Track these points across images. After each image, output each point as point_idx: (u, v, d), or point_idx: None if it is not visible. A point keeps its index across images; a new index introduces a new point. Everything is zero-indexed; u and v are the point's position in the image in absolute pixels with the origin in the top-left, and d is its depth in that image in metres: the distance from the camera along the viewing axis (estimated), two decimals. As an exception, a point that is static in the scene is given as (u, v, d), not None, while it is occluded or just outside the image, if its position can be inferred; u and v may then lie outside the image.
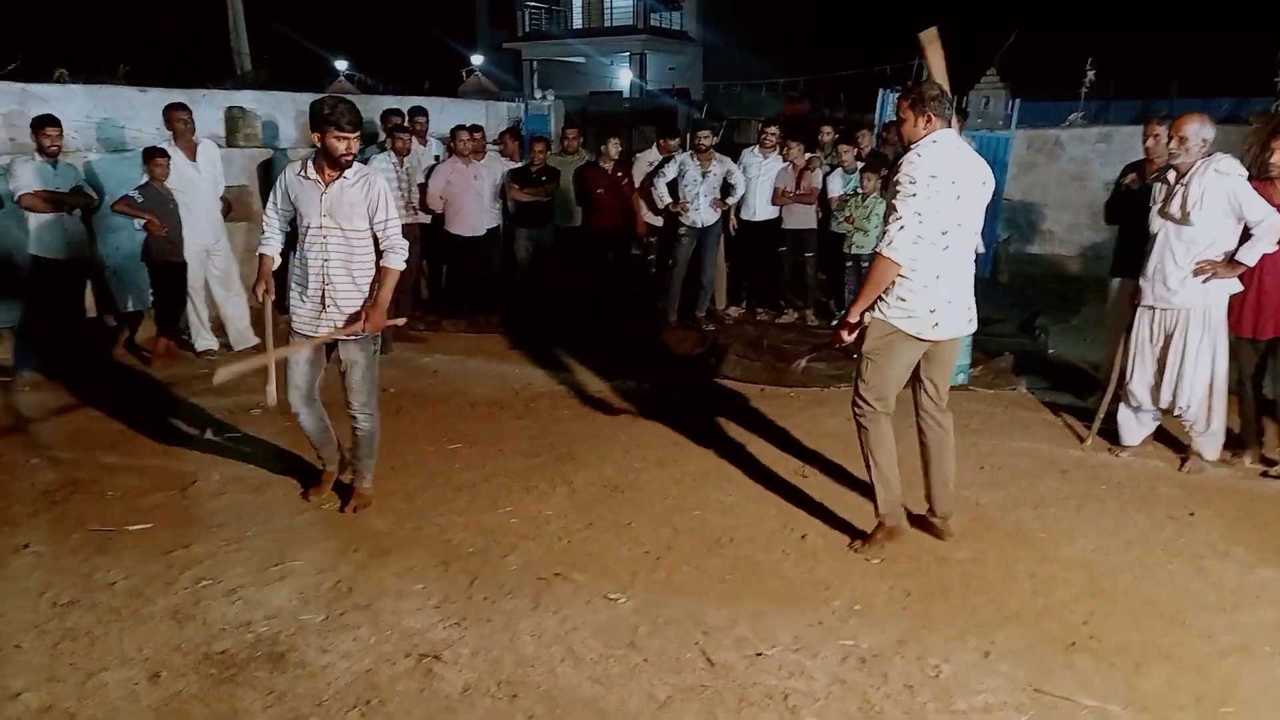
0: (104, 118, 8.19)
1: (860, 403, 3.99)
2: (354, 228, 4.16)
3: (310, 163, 4.13)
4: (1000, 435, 5.50)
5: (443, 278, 8.97)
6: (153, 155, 6.85)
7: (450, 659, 3.23)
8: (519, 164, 8.88)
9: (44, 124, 6.43)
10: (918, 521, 4.20)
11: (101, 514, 4.34)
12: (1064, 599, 3.63)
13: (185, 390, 6.31)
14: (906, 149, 3.80)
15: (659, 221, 8.59)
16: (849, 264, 8.08)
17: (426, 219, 8.18)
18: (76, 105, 8.05)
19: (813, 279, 8.59)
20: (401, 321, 5.33)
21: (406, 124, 8.12)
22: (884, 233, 3.81)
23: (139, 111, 8.25)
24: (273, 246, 4.33)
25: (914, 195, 3.67)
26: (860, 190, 7.95)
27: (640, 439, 5.46)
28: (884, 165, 8.71)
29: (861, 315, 3.91)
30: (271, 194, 4.28)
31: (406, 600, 3.62)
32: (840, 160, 8.36)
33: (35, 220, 6.39)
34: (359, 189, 4.13)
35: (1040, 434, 5.55)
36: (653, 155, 8.91)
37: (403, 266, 4.24)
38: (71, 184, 6.55)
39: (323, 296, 4.19)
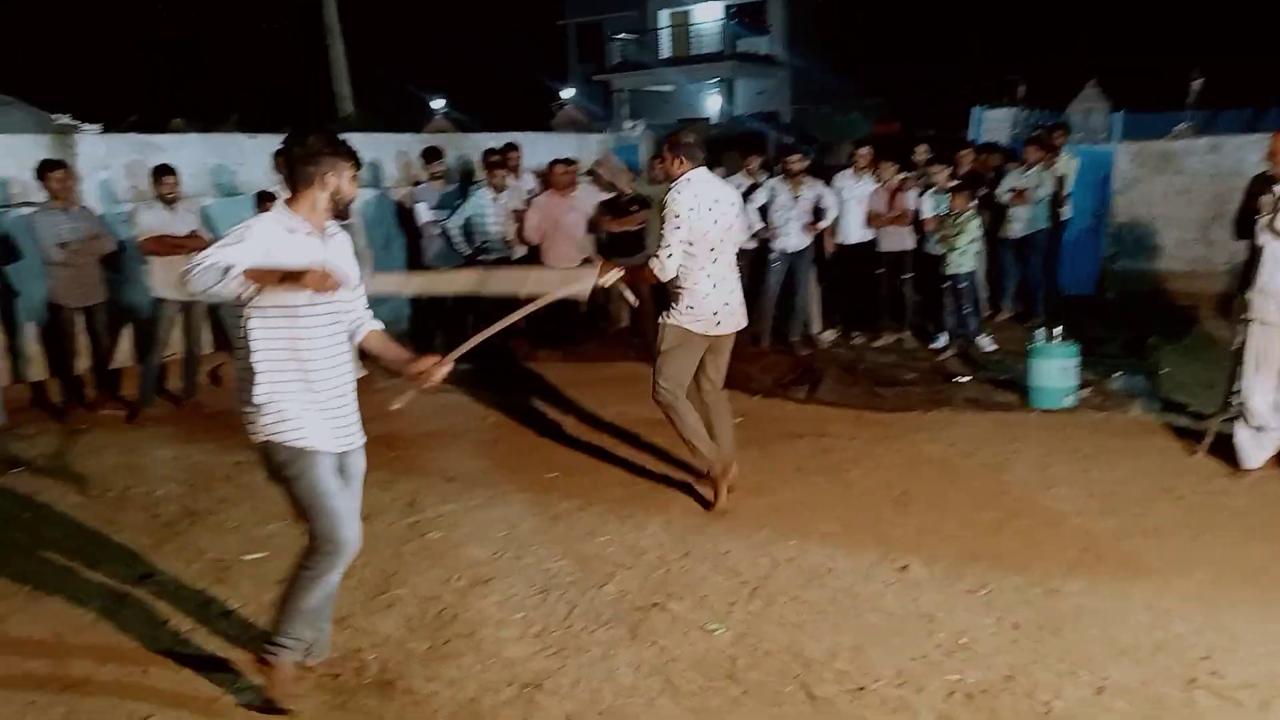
0: (217, 163, 8.60)
1: (663, 390, 4.74)
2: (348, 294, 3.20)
3: (290, 213, 3.03)
4: (1111, 461, 5.31)
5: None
6: (263, 199, 7.17)
7: (551, 689, 3.27)
8: (610, 195, 8.99)
9: (162, 173, 6.80)
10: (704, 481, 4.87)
11: (219, 544, 4.53)
12: (1181, 633, 3.48)
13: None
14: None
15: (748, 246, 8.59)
16: (946, 285, 7.94)
17: (523, 251, 8.35)
18: (192, 153, 8.47)
19: (910, 301, 8.47)
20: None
21: (501, 159, 8.31)
22: (655, 255, 4.57)
23: (249, 156, 8.63)
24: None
25: (678, 228, 4.49)
26: (952, 210, 7.81)
27: (737, 467, 5.43)
28: (978, 184, 8.59)
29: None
30: (233, 242, 2.88)
31: (507, 629, 3.68)
32: (933, 180, 8.25)
33: (156, 263, 6.75)
34: (344, 239, 3.26)
35: (1153, 458, 5.34)
36: (738, 180, 8.91)
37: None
38: (188, 228, 6.89)
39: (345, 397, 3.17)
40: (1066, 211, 9.45)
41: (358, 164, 3.12)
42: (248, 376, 3.00)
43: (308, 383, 3.01)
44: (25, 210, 6.84)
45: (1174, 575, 3.94)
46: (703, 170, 4.63)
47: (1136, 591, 3.79)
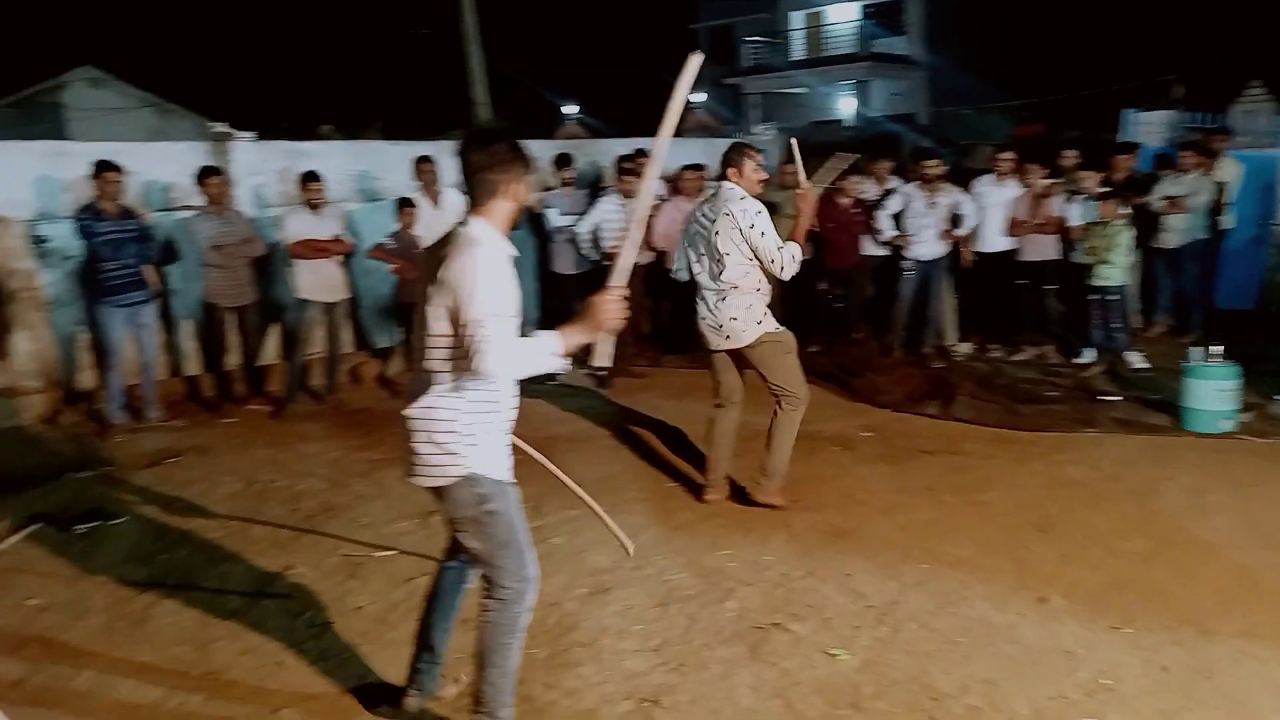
0: (361, 170, 8.93)
1: (796, 399, 4.89)
2: None
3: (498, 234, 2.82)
4: (1273, 491, 4.93)
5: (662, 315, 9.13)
6: (403, 205, 7.42)
7: (669, 705, 3.24)
8: (740, 200, 8.90)
9: (308, 179, 7.10)
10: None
11: (354, 540, 4.67)
12: (1357, 686, 3.19)
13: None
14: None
15: (880, 254, 8.37)
16: (1093, 297, 7.54)
17: (650, 256, 8.36)
18: (338, 160, 8.81)
19: (1053, 313, 8.10)
20: None
21: (632, 165, 8.34)
22: (774, 261, 4.70)
23: (391, 163, 8.90)
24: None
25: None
26: (1102, 218, 7.42)
27: (864, 483, 5.30)
28: (1129, 191, 8.13)
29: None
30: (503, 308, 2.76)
31: (627, 640, 3.67)
32: (1082, 186, 7.86)
33: (301, 266, 7.05)
34: None
35: (1323, 489, 4.94)
36: (866, 187, 8.68)
37: None
38: (332, 233, 7.18)
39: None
40: (1227, 220, 8.87)
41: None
42: (451, 405, 2.79)
43: (499, 412, 2.89)
44: (184, 214, 7.26)
45: (1347, 621, 3.62)
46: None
47: (1304, 637, 3.50)
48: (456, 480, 2.85)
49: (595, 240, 7.85)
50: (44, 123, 17.83)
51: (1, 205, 6.92)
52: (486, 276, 2.66)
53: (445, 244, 2.76)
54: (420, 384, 2.83)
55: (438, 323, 2.73)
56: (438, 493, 2.92)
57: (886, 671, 3.38)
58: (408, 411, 2.87)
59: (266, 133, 11.41)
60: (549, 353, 2.73)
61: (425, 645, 3.19)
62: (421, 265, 2.83)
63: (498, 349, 2.63)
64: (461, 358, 2.70)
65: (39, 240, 6.95)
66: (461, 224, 2.78)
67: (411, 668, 3.20)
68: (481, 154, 2.74)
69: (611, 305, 2.78)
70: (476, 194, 2.76)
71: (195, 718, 3.23)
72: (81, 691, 3.38)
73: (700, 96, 20.48)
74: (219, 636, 3.73)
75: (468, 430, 2.81)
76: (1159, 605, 3.76)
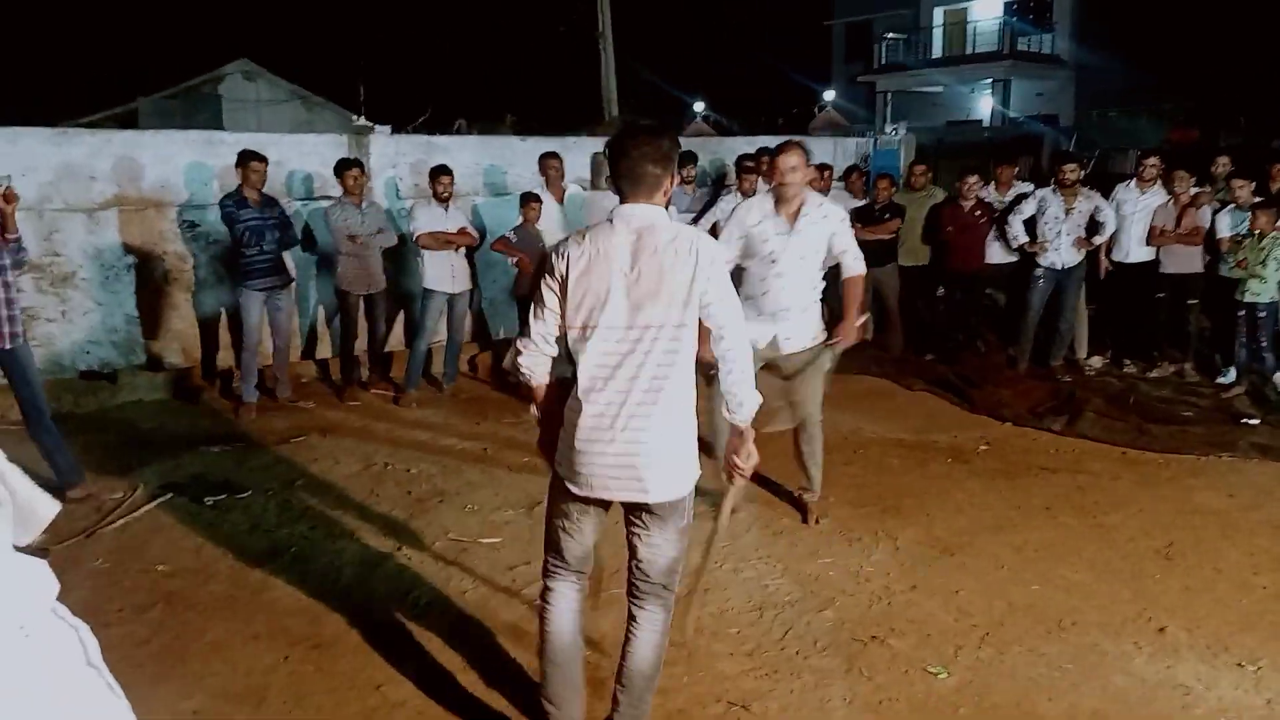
0: (490, 164, 9.14)
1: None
2: None
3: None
4: None
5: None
6: (527, 200, 7.56)
7: (759, 711, 3.21)
8: (863, 201, 8.76)
9: (439, 173, 7.31)
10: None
11: (460, 525, 4.81)
12: None
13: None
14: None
15: (1011, 259, 8.08)
16: (1240, 314, 7.10)
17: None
18: (469, 154, 9.05)
19: (1194, 329, 7.67)
20: None
21: (753, 165, 8.30)
22: (850, 251, 4.62)
23: (519, 158, 9.09)
24: None
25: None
26: (1254, 230, 6.96)
27: (976, 498, 5.14)
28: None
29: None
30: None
31: (720, 642, 3.66)
32: (1233, 196, 7.40)
33: (428, 257, 7.28)
34: None
35: None
36: (985, 193, 8.38)
37: None
38: (459, 225, 7.38)
39: None
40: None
41: None
42: (687, 404, 2.71)
43: None
44: (324, 203, 7.58)
45: None
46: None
47: None
48: (690, 488, 2.77)
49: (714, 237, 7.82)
50: (203, 112, 18.91)
51: (157, 191, 7.39)
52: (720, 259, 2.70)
53: (638, 237, 2.61)
54: (633, 389, 2.62)
55: (675, 314, 2.61)
56: (647, 507, 2.72)
57: (987, 694, 3.27)
58: (639, 423, 2.62)
59: (403, 126, 11.87)
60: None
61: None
62: (604, 257, 2.62)
63: (739, 315, 2.71)
64: (690, 351, 2.65)
65: (189, 224, 7.39)
66: (632, 215, 2.65)
67: None
68: (651, 149, 2.66)
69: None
70: (640, 188, 2.66)
71: (305, 685, 3.37)
72: (201, 654, 3.58)
73: (830, 94, 20.20)
74: (328, 611, 3.90)
75: (695, 429, 2.76)
76: (1292, 647, 3.52)
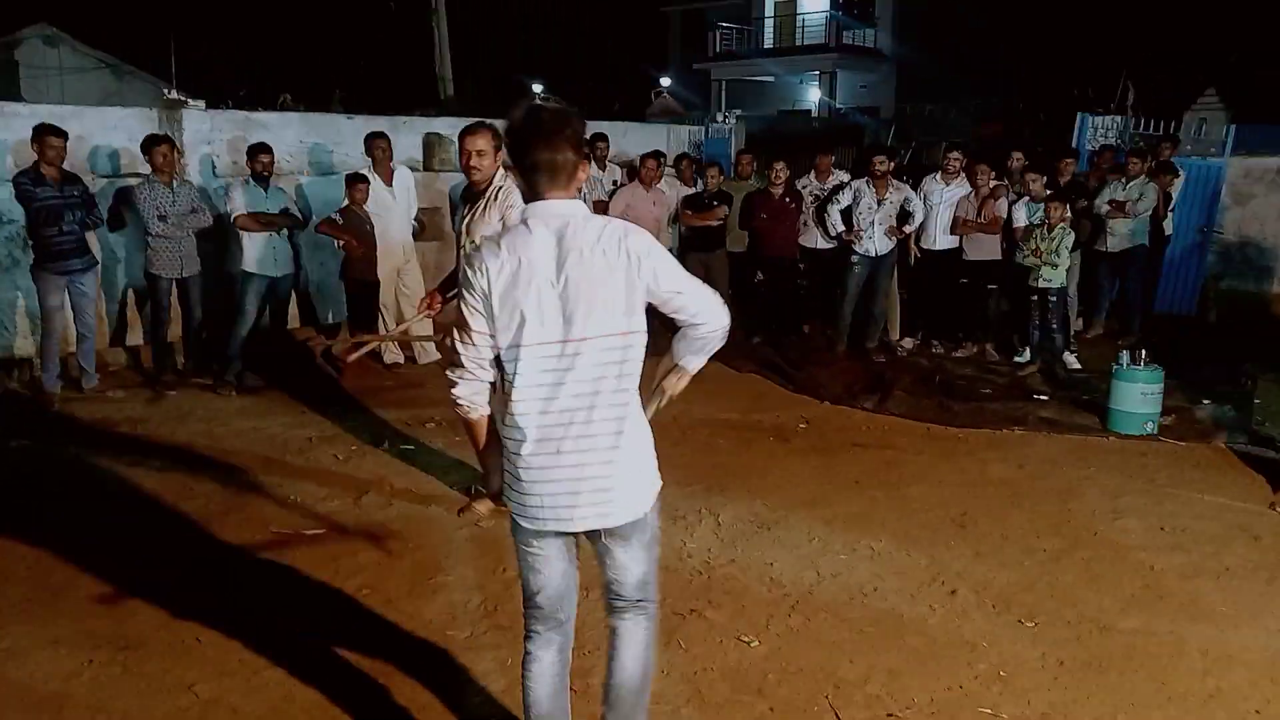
0: (315, 143, 8.86)
1: None
2: None
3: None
4: (1187, 494, 5.10)
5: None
6: (354, 181, 7.38)
7: (580, 689, 3.29)
8: (693, 189, 8.98)
9: (257, 151, 7.04)
10: None
11: (283, 517, 4.69)
12: (1237, 683, 3.33)
13: (372, 401, 6.73)
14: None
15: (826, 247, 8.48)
16: (1034, 298, 7.69)
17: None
18: (292, 131, 8.74)
19: (994, 312, 8.25)
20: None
21: (587, 151, 8.36)
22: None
23: (346, 137, 8.86)
24: None
25: None
26: (1046, 221, 7.56)
27: (793, 475, 5.40)
28: (1074, 194, 8.29)
29: None
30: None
31: (545, 624, 3.72)
32: (1027, 189, 8.00)
33: (247, 238, 7.00)
34: None
35: (1234, 494, 5.10)
36: (805, 181, 8.77)
37: None
38: (281, 206, 7.12)
39: None
40: (1168, 227, 9.08)
41: None
42: (638, 410, 2.47)
43: None
44: (131, 182, 7.17)
45: (1239, 621, 3.77)
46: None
47: (1194, 635, 3.64)
48: (654, 502, 2.54)
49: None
50: (-4, 80, 17.44)
51: (-60, 166, 6.81)
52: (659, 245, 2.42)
53: (560, 239, 2.32)
54: (576, 409, 2.36)
55: (618, 317, 2.34)
56: (608, 530, 2.48)
57: (794, 659, 3.47)
58: (586, 444, 2.37)
59: (223, 100, 11.31)
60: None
61: None
62: (528, 267, 2.33)
63: (714, 299, 2.48)
64: (638, 359, 2.40)
65: (-23, 203, 6.85)
66: (549, 213, 2.36)
67: None
68: (561, 132, 2.33)
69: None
70: (554, 180, 2.35)
71: (110, 689, 3.23)
72: (-6, 662, 3.38)
73: (667, 81, 20.52)
74: (136, 611, 3.74)
75: (649, 441, 2.51)
76: (1063, 603, 3.89)
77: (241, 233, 6.99)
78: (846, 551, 4.37)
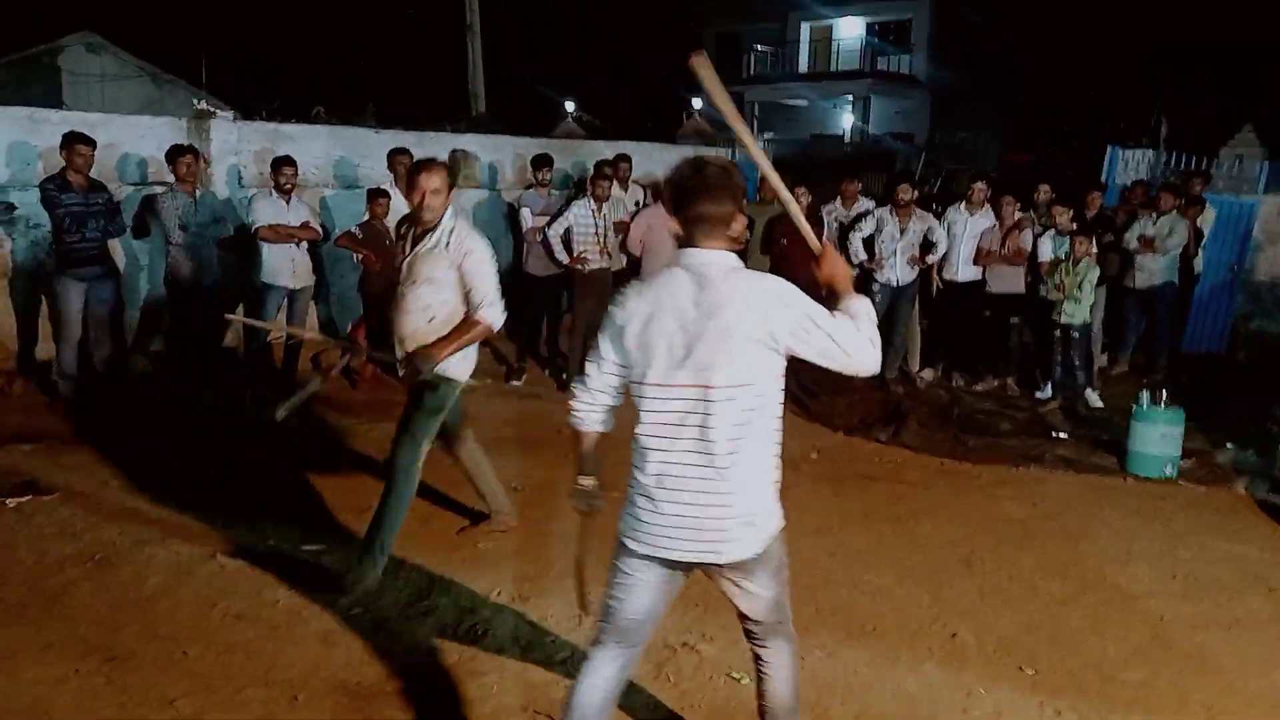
0: (341, 156, 8.94)
1: None
2: None
3: None
4: (1203, 541, 4.97)
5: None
6: (375, 196, 7.42)
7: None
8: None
9: (282, 164, 7.11)
10: None
11: (282, 531, 4.68)
12: (1242, 743, 3.22)
13: (383, 415, 6.72)
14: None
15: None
16: (1057, 333, 7.57)
17: (621, 263, 8.39)
18: (320, 144, 8.84)
19: (1016, 346, 8.14)
20: None
21: (610, 171, 8.35)
22: (476, 290, 4.05)
23: (373, 150, 8.92)
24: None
25: None
26: (1072, 255, 7.45)
27: (801, 504, 5.27)
28: (1102, 229, 8.18)
29: None
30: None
31: (535, 651, 3.69)
32: (1054, 222, 7.90)
33: (268, 250, 7.05)
34: None
35: (1252, 542, 4.97)
36: (830, 207, 8.71)
37: None
38: (302, 219, 7.17)
39: None
40: (1199, 264, 8.94)
41: None
42: (768, 448, 2.52)
43: None
44: (157, 190, 7.25)
45: (1247, 675, 3.66)
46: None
47: (1200, 688, 3.53)
48: (777, 534, 2.59)
49: (567, 243, 7.85)
50: (40, 85, 17.78)
51: (-29, 170, 6.93)
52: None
53: (701, 288, 2.43)
54: (696, 451, 2.44)
55: (743, 374, 2.41)
56: (733, 565, 2.54)
57: (784, 699, 3.39)
58: (700, 485, 2.44)
59: (256, 111, 11.44)
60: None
61: None
62: (667, 310, 2.44)
63: (867, 337, 2.47)
64: (768, 410, 2.48)
65: (7, 207, 6.95)
66: (697, 262, 2.47)
67: None
68: (719, 186, 2.46)
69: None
70: (705, 231, 2.47)
71: (93, 700, 3.23)
72: (-18, 667, 3.39)
73: (699, 103, 20.53)
74: (127, 621, 3.74)
75: (777, 468, 2.58)
76: (1066, 650, 3.79)
77: (262, 244, 7.04)
78: (848, 586, 4.30)
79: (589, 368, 2.63)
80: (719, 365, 2.38)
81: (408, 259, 4.13)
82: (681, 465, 2.45)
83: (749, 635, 2.77)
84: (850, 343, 2.44)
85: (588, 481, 2.76)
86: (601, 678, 2.65)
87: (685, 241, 2.50)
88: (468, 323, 4.03)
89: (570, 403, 2.68)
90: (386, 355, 4.28)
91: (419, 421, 4.14)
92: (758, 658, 2.79)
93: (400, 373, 4.15)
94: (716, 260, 2.47)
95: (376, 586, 4.06)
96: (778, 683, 2.78)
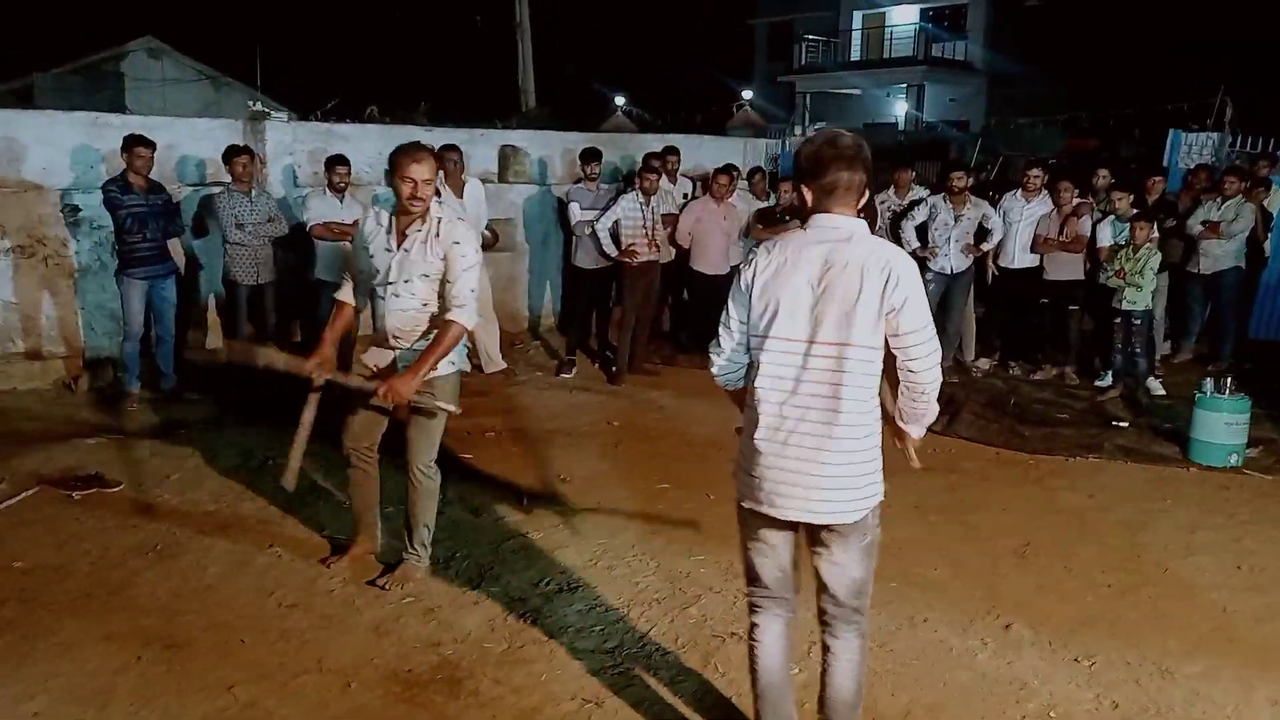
0: (393, 154, 9.03)
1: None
2: None
3: None
4: (1269, 531, 4.82)
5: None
6: (423, 190, 7.48)
7: (611, 708, 3.27)
8: (766, 203, 8.90)
9: (335, 163, 7.22)
10: None
11: (336, 522, 4.76)
12: (1309, 739, 3.12)
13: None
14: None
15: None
16: (1117, 320, 7.40)
17: (670, 255, 8.38)
18: (371, 143, 8.93)
19: (1075, 334, 7.97)
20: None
21: (658, 164, 8.34)
22: (456, 285, 3.86)
23: (424, 148, 8.98)
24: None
25: None
26: (1132, 241, 7.27)
27: (851, 496, 5.26)
28: (1164, 214, 7.97)
29: None
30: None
31: (583, 640, 3.70)
32: (1114, 207, 7.71)
33: (321, 247, 7.17)
34: None
35: (1322, 533, 4.81)
36: (883, 196, 8.58)
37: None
38: (355, 217, 7.26)
39: None
40: (1269, 248, 8.65)
41: None
42: (871, 420, 2.63)
43: None
44: (214, 190, 7.41)
45: (1317, 671, 3.54)
46: None
47: (1263, 683, 3.43)
48: (873, 509, 2.69)
49: (615, 236, 7.86)
50: (104, 90, 18.27)
51: (39, 173, 7.14)
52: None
53: (831, 249, 2.54)
54: (809, 407, 2.55)
55: (870, 333, 2.51)
56: (828, 528, 2.65)
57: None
58: (811, 442, 2.56)
59: (310, 112, 11.64)
60: None
61: None
62: (792, 266, 2.56)
63: (938, 355, 2.60)
64: (876, 373, 2.57)
65: (72, 209, 7.15)
66: (828, 225, 2.58)
67: None
68: (849, 154, 2.56)
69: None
70: (836, 197, 2.57)
71: (154, 687, 3.31)
72: (49, 654, 3.49)
73: (749, 93, 20.44)
74: (187, 610, 3.84)
75: (877, 452, 2.68)
76: (1124, 642, 3.70)
77: (316, 241, 7.16)
78: (899, 579, 4.23)
79: (720, 332, 2.74)
80: (841, 325, 2.50)
81: (396, 256, 3.85)
82: (794, 420, 2.56)
83: (822, 621, 2.80)
84: (929, 345, 2.55)
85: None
86: (771, 637, 2.82)
87: (815, 208, 2.60)
88: (442, 331, 3.83)
89: (711, 369, 2.80)
90: (353, 380, 4.02)
91: (423, 442, 4.09)
92: (826, 648, 2.81)
93: (378, 391, 3.82)
94: (848, 225, 2.57)
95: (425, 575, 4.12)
96: (842, 676, 2.78)
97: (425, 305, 3.90)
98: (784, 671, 2.83)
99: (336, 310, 4.20)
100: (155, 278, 6.67)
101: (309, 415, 4.03)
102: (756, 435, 2.60)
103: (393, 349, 4.01)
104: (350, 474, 4.31)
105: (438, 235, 3.85)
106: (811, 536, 2.70)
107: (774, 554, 2.76)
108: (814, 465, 2.55)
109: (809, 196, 2.60)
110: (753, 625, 2.84)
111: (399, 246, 3.87)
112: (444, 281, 3.84)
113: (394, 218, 3.93)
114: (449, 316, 3.83)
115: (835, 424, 2.53)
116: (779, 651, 2.81)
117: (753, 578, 2.82)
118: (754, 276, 2.62)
